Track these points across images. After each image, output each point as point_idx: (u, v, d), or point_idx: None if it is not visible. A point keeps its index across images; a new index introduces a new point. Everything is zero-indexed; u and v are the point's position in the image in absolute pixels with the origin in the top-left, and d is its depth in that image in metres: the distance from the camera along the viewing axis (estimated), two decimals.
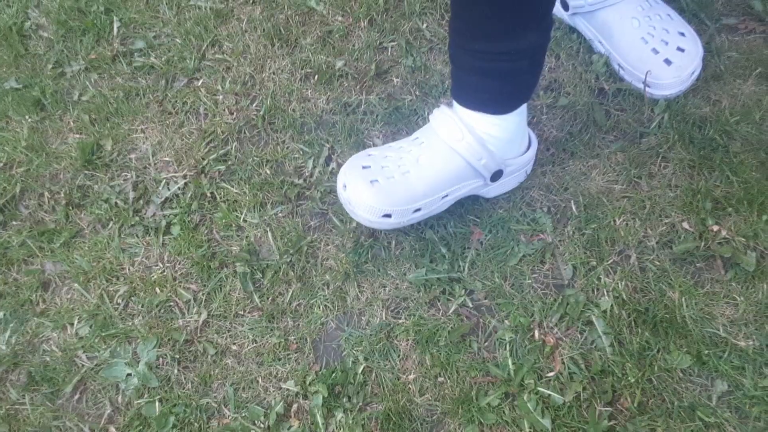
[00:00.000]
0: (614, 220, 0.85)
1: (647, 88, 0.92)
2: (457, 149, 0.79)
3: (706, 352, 0.75)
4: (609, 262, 0.82)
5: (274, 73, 1.02)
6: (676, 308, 0.78)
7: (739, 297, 0.78)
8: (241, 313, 0.85)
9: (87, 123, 1.00)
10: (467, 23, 0.72)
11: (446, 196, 0.82)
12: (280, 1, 1.09)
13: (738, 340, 0.76)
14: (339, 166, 0.93)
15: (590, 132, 0.92)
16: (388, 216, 0.79)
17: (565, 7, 0.98)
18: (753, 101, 0.90)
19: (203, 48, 1.06)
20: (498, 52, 0.72)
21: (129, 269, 0.88)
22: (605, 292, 0.80)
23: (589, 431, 0.72)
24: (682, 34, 0.92)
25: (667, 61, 0.91)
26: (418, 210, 0.80)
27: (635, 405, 0.73)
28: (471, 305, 0.82)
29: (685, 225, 0.84)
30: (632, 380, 0.74)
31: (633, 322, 0.78)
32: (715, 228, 0.82)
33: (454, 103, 0.81)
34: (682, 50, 0.91)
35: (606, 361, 0.76)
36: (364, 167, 0.80)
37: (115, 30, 1.09)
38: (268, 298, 0.85)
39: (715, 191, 0.85)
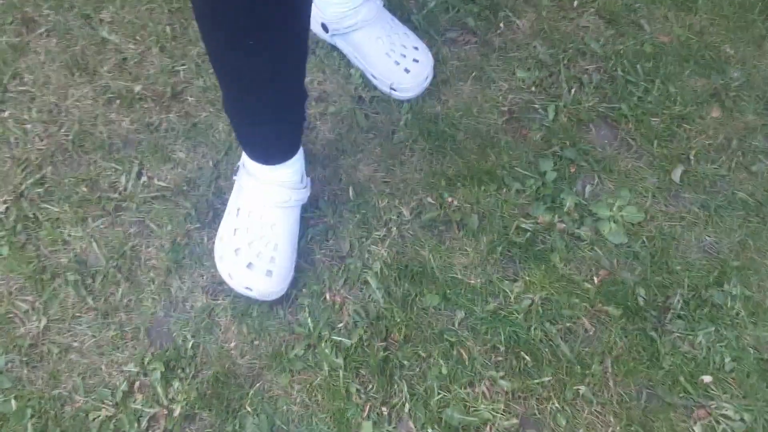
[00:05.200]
0: (378, 201, 1.08)
1: (393, 92, 1.16)
2: (296, 203, 0.99)
3: (449, 291, 1.01)
4: (377, 234, 1.05)
5: (77, 101, 1.12)
6: (426, 263, 1.03)
7: (468, 248, 1.04)
8: (78, 314, 0.97)
9: None
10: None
11: None
12: (74, 33, 1.18)
13: (470, 280, 1.02)
14: (150, 179, 1.07)
15: (355, 132, 1.14)
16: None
17: (325, 29, 1.18)
18: (471, 99, 1.17)
19: (4, 81, 1.13)
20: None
21: None
22: (375, 258, 1.03)
23: (370, 362, 0.95)
24: (416, 48, 1.17)
25: (406, 70, 1.15)
26: None
27: (402, 338, 0.97)
28: None
29: (429, 199, 1.08)
30: (398, 320, 0.98)
31: (397, 277, 1.02)
32: (450, 199, 1.08)
33: (255, 165, 0.97)
34: (417, 61, 1.15)
35: (380, 309, 0.99)
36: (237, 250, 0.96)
37: None
38: (100, 299, 0.98)
39: (448, 171, 1.10)
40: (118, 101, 1.13)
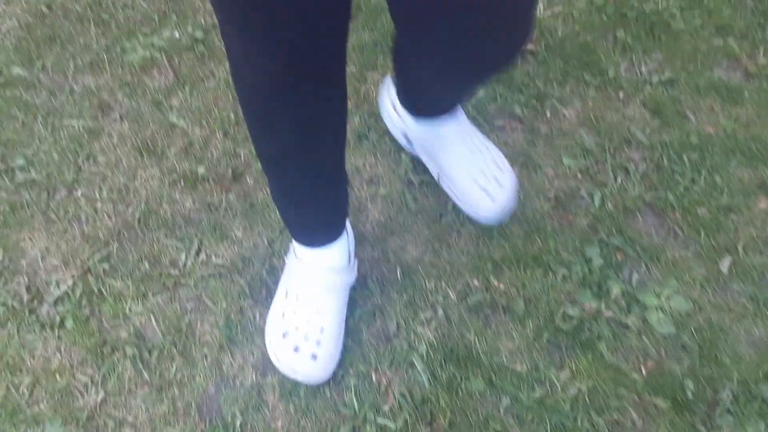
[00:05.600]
0: (426, 283, 1.09)
1: (476, 216, 1.11)
2: (343, 286, 1.00)
3: (495, 377, 1.00)
4: (424, 316, 1.06)
5: (145, 181, 1.18)
6: (472, 346, 1.03)
7: (514, 333, 1.04)
8: (134, 388, 0.99)
9: None
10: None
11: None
12: (145, 117, 1.25)
13: (516, 366, 1.01)
14: (208, 256, 1.10)
15: (404, 214, 1.16)
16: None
17: (408, 141, 1.15)
18: (518, 184, 1.19)
19: (79, 162, 1.19)
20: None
21: (30, 362, 1.00)
22: (422, 340, 1.03)
23: None
24: (500, 168, 1.11)
25: (491, 198, 1.09)
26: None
27: (447, 423, 0.96)
28: None
29: (476, 282, 1.09)
30: (443, 404, 0.97)
31: (443, 360, 1.01)
32: (496, 283, 1.08)
33: (301, 249, 1.00)
34: (502, 186, 1.10)
35: (425, 392, 0.99)
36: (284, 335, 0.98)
37: None
38: (156, 374, 1.00)
39: (494, 255, 1.11)
40: (182, 182, 1.18)
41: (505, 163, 1.12)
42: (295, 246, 1.00)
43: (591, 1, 1.42)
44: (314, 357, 0.96)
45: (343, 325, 1.01)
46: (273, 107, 0.76)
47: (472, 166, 1.09)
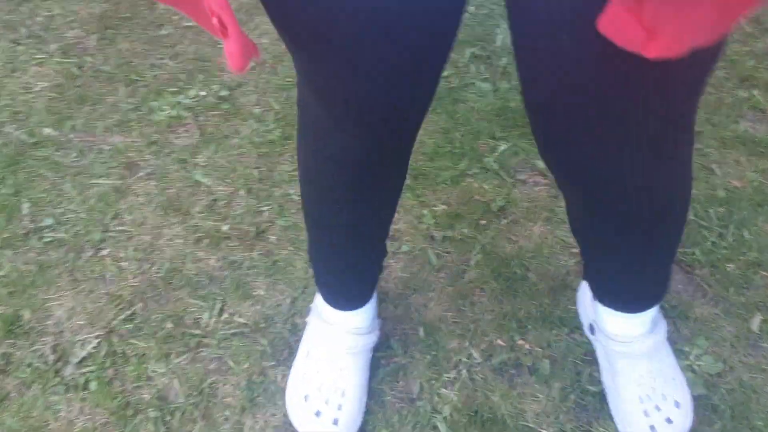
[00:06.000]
0: (449, 342, 1.07)
1: None
2: (366, 347, 0.99)
3: None
4: (447, 377, 1.04)
5: (170, 239, 1.19)
6: (497, 409, 1.00)
7: (540, 395, 1.01)
8: None
9: (5, 296, 1.11)
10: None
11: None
12: (171, 176, 1.27)
13: (542, 429, 0.98)
14: (231, 315, 1.10)
15: (426, 271, 1.15)
16: None
17: (591, 331, 1.01)
18: (542, 240, 1.17)
19: (106, 221, 1.21)
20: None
21: (54, 425, 0.99)
22: (445, 402, 1.01)
23: None
24: (677, 404, 0.94)
25: (652, 428, 0.93)
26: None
27: None
28: None
29: (500, 342, 1.07)
30: None
31: (467, 424, 0.99)
32: (521, 342, 1.06)
33: (327, 309, 0.98)
34: (671, 421, 0.93)
35: None
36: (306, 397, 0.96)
37: (25, 210, 1.22)
38: None
39: (519, 313, 1.09)
40: (206, 240, 1.18)
41: (686, 399, 0.96)
42: (321, 306, 1.00)
43: None
44: (336, 422, 0.94)
45: (365, 386, 1.00)
46: (344, 184, 0.76)
47: (647, 383, 0.94)
